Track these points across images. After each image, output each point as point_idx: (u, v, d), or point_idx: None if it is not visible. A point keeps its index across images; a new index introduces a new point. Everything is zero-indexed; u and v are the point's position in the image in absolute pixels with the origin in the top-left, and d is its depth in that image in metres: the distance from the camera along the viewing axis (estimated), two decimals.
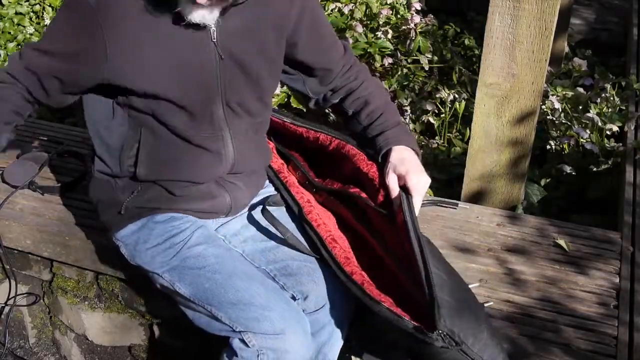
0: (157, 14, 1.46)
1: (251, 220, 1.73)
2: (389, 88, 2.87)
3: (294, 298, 1.57)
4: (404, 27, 2.99)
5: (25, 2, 3.79)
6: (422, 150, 2.69)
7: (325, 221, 1.69)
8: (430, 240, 1.66)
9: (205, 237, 1.61)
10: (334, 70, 1.73)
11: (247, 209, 1.75)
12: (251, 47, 1.57)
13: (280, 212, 1.70)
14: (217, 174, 1.65)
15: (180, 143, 1.60)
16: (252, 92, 1.62)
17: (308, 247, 1.64)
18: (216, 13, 1.46)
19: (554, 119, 2.66)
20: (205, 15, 1.45)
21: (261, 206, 1.71)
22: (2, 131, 1.58)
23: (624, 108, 2.77)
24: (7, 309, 2.15)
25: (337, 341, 1.62)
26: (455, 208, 2.04)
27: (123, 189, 1.66)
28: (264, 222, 1.69)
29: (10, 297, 2.10)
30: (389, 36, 2.95)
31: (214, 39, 1.51)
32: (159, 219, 1.64)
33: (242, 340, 1.47)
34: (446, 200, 2.09)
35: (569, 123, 2.64)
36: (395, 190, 1.59)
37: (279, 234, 1.64)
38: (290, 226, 1.67)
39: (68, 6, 1.51)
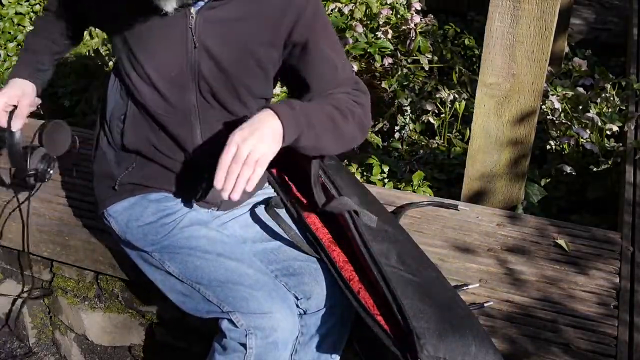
0: None
1: (250, 222, 1.72)
2: (389, 88, 2.87)
3: (296, 298, 1.57)
4: (404, 27, 3.00)
5: (25, 2, 3.79)
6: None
7: (324, 224, 1.69)
8: (401, 237, 1.59)
9: (198, 219, 1.63)
10: (319, 92, 1.60)
11: (247, 210, 1.75)
12: (229, 43, 1.55)
13: (281, 214, 1.70)
14: (187, 160, 1.66)
15: (152, 123, 1.64)
16: (225, 87, 1.59)
17: (310, 247, 1.63)
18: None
19: (554, 119, 2.66)
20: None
21: (262, 206, 1.71)
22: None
23: (624, 108, 2.77)
24: (8, 308, 2.15)
25: (340, 343, 1.61)
26: (456, 209, 2.04)
27: (119, 164, 1.69)
28: (263, 224, 1.69)
29: (11, 297, 2.11)
30: (389, 36, 2.96)
31: (191, 25, 1.53)
32: (153, 197, 1.66)
33: (231, 321, 1.48)
34: (446, 201, 2.09)
35: (569, 123, 2.64)
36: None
37: (282, 233, 1.64)
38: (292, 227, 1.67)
39: None
